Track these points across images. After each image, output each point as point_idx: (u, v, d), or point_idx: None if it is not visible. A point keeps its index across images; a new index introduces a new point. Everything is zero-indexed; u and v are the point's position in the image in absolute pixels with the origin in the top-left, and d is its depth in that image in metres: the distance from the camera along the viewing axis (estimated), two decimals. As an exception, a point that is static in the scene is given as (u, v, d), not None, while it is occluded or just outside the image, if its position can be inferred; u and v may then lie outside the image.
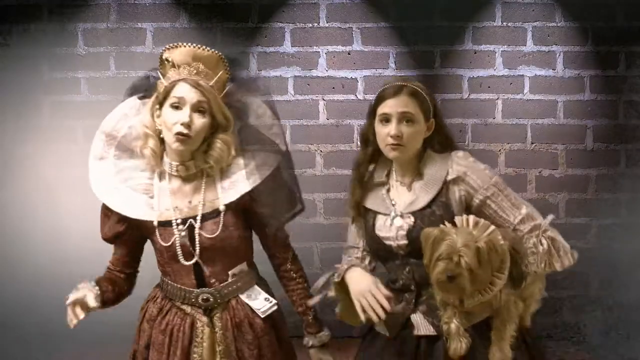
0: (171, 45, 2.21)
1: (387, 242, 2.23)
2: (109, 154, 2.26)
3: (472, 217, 2.05)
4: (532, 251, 2.10)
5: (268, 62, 3.96)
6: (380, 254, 2.29)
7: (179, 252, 2.18)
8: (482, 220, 2.04)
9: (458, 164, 2.19)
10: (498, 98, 3.99)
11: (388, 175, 2.29)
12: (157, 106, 2.18)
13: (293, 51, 3.96)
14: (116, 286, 2.27)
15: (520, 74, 3.98)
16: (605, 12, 3.95)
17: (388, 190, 2.28)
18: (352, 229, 2.35)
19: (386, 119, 2.20)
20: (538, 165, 4.00)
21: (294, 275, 2.30)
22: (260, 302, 2.25)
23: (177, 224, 2.18)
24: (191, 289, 2.22)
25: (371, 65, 3.96)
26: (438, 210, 2.17)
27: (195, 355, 2.20)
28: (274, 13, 3.95)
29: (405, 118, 2.18)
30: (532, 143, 4.00)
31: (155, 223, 2.18)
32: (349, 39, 3.96)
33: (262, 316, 2.24)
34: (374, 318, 2.10)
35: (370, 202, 2.29)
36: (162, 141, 2.20)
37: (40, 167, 3.88)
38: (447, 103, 3.97)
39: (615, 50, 3.97)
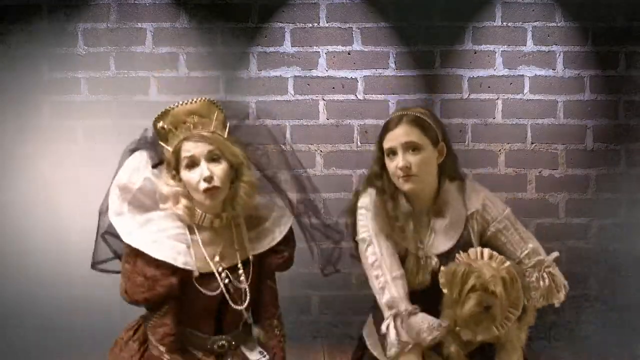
0: (160, 113, 2.20)
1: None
2: (124, 209, 2.19)
3: (486, 250, 2.08)
4: (534, 286, 2.15)
5: (268, 62, 3.96)
6: None
7: (227, 300, 2.20)
8: (495, 253, 2.09)
9: (476, 196, 2.21)
10: (498, 98, 3.99)
11: (402, 212, 2.26)
12: (174, 172, 2.19)
13: (293, 51, 3.96)
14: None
15: (520, 74, 3.98)
16: (605, 12, 3.94)
17: (403, 230, 2.25)
18: (385, 260, 2.23)
19: (392, 152, 2.17)
20: (538, 165, 4.00)
21: (277, 332, 2.36)
22: (256, 354, 2.30)
23: (219, 274, 2.19)
24: (207, 336, 2.23)
25: (371, 65, 3.96)
26: (462, 249, 2.17)
27: None
28: (274, 13, 3.94)
29: (410, 147, 2.14)
30: (532, 143, 3.99)
31: (197, 273, 2.16)
32: (349, 39, 3.95)
33: None
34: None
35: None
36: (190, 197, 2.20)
37: (40, 167, 3.87)
38: (447, 103, 3.97)
39: (615, 50, 3.97)
